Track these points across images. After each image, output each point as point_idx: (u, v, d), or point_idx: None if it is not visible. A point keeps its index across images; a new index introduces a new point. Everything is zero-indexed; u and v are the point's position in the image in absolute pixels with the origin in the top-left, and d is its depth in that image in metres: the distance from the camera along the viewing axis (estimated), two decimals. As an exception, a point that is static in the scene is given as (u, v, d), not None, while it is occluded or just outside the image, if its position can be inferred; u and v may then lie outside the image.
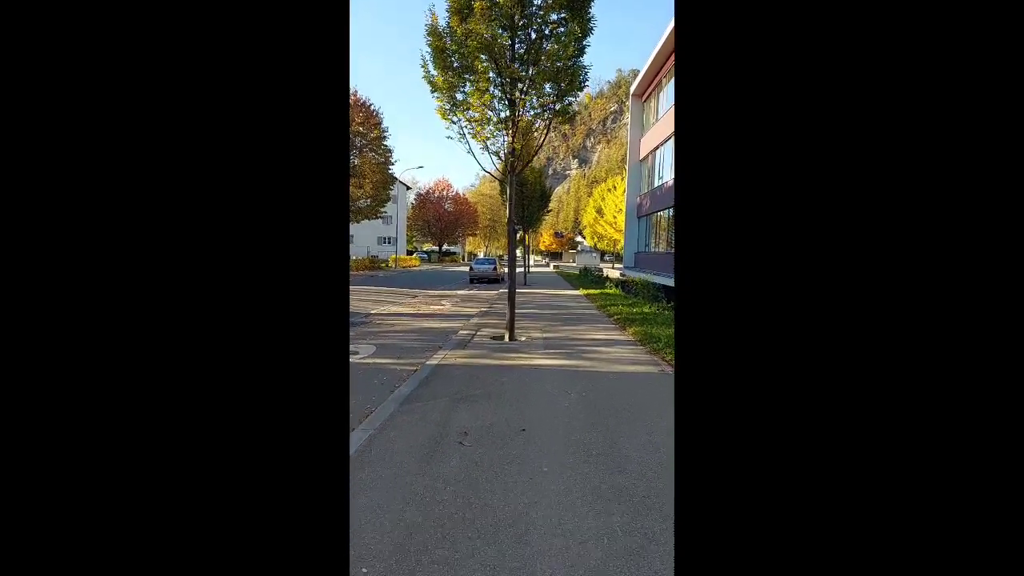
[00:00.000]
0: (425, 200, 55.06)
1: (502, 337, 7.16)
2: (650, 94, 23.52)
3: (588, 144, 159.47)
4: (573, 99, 7.11)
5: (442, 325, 8.64)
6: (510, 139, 6.87)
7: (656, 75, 21.99)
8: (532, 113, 7.00)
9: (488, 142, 6.98)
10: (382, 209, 28.46)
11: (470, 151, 7.13)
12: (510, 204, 7.09)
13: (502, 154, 7.04)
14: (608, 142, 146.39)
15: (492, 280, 20.92)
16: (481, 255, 78.14)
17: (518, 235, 23.93)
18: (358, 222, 27.74)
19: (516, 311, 10.05)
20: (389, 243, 50.01)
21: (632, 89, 24.75)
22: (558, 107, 7.04)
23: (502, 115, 6.86)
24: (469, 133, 7.03)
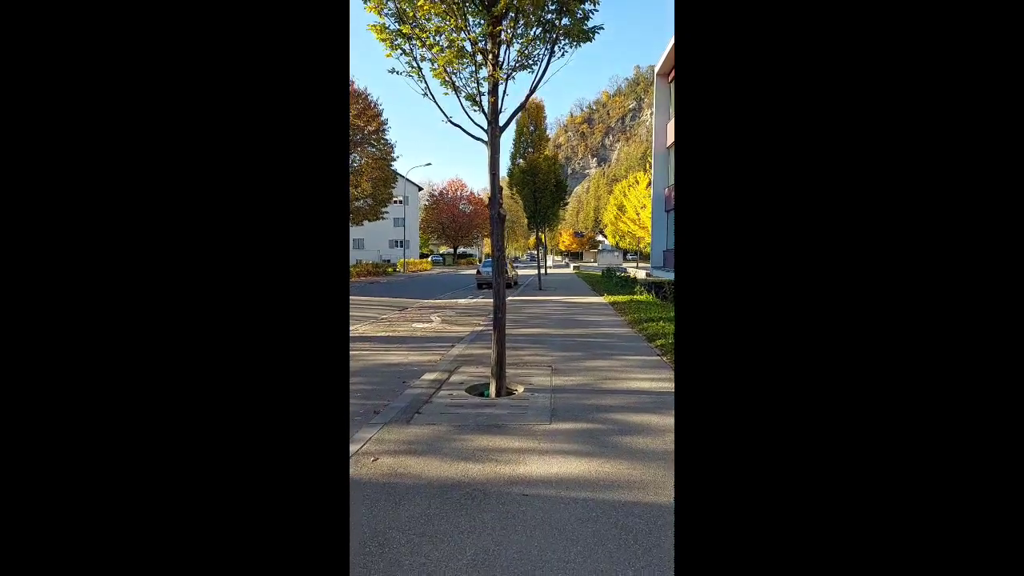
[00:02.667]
0: (439, 201, 52.76)
1: (485, 388, 4.52)
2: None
3: (607, 142, 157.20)
4: (592, 7, 4.43)
5: (410, 359, 6.04)
6: (490, 69, 4.21)
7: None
8: (522, 32, 4.31)
9: (455, 77, 4.33)
10: (384, 210, 26.09)
11: (427, 93, 4.47)
12: (492, 179, 4.42)
13: (480, 98, 4.38)
14: (627, 139, 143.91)
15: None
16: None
17: (513, 233, 21.14)
18: (359, 224, 25.42)
19: (521, 331, 7.27)
20: (401, 246, 47.81)
21: (657, 68, 21.86)
22: (567, 21, 4.36)
23: (475, 30, 4.20)
24: (430, 67, 4.41)
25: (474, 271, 19.31)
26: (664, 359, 5.62)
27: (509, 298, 13.85)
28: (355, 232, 44.86)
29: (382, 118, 23.85)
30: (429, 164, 32.94)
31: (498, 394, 4.32)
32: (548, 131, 16.44)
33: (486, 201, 64.17)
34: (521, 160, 16.33)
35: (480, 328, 8.25)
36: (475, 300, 14.08)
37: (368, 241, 46.43)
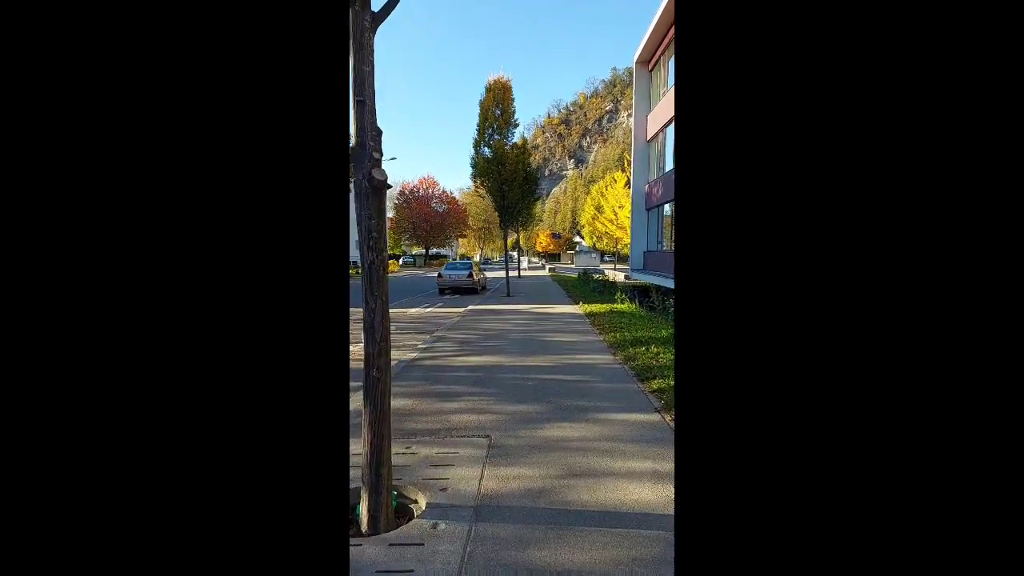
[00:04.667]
0: (409, 199, 50.25)
1: (359, 502, 2.45)
2: (658, 60, 18.89)
3: (584, 144, 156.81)
4: None
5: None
6: None
7: (664, 37, 17.35)
8: None
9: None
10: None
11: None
12: (358, 110, 2.34)
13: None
14: (604, 141, 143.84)
15: (467, 290, 16.23)
16: (477, 258, 73.05)
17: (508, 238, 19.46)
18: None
19: (465, 361, 5.37)
20: (369, 247, 45.06)
21: (636, 56, 20.15)
22: None
23: None
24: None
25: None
26: (667, 419, 3.63)
27: (469, 307, 11.78)
28: (319, 232, 42.18)
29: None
30: (394, 159, 30.56)
31: (372, 523, 2.25)
32: (517, 116, 14.33)
33: (459, 199, 62.10)
34: (486, 148, 14.22)
35: (414, 356, 6.17)
36: (429, 310, 11.97)
37: (333, 241, 43.69)
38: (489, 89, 14.12)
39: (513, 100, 14.27)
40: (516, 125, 14.35)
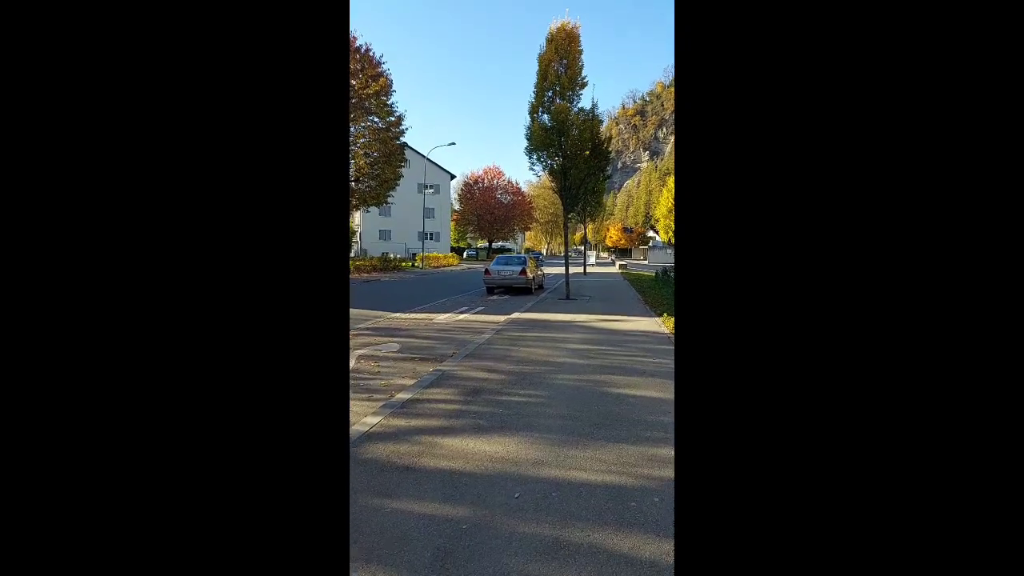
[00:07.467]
0: (473, 189, 48.42)
1: None
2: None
3: (660, 135, 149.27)
4: None
5: None
6: None
7: None
8: None
9: None
10: (390, 194, 21.75)
11: None
12: None
13: None
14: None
15: (519, 289, 13.53)
16: (544, 251, 70.28)
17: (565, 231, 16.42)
18: (356, 209, 21.27)
19: (461, 448, 3.48)
20: (432, 239, 43.68)
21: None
22: None
23: None
24: None
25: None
26: None
27: (514, 314, 9.06)
28: (382, 223, 41.27)
29: (387, 77, 19.49)
30: (453, 144, 28.51)
31: None
32: (586, 75, 11.38)
33: (525, 191, 59.57)
34: (545, 115, 11.40)
35: (373, 424, 3.53)
36: (464, 316, 9.37)
37: (396, 232, 42.61)
38: (551, 40, 11.22)
39: (581, 53, 11.27)
40: (584, 85, 11.37)
